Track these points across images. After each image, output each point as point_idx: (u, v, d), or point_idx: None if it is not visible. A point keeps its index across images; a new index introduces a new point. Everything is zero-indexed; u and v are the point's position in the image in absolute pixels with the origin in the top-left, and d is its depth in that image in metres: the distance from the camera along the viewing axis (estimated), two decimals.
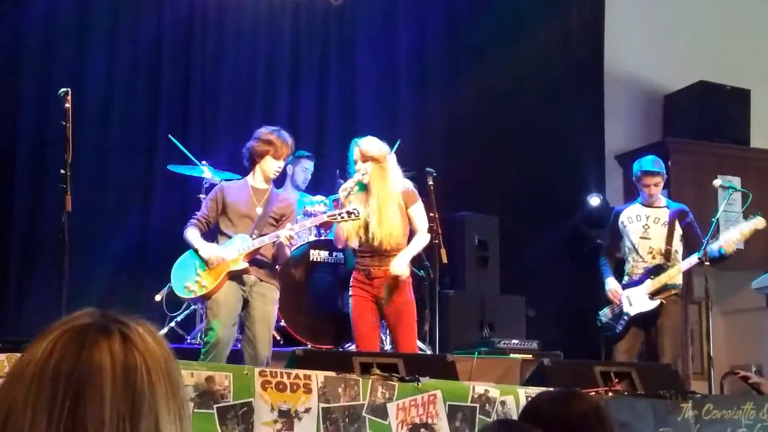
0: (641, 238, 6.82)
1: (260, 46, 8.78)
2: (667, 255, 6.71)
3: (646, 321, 6.71)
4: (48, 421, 1.13)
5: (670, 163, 9.31)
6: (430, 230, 5.97)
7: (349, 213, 5.66)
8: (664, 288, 6.66)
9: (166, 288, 6.67)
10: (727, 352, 9.34)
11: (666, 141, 9.67)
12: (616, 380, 5.13)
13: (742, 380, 6.29)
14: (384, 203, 5.84)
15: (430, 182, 6.23)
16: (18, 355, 3.18)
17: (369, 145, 5.91)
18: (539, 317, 8.34)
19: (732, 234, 6.54)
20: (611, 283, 6.84)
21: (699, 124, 9.73)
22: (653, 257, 6.76)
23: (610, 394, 4.93)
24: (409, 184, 6.04)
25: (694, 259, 6.58)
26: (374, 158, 5.88)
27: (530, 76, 9.63)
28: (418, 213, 5.97)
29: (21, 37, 7.90)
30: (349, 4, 9.03)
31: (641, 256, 6.79)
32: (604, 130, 9.87)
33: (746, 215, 6.73)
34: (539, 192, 9.32)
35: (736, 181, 8.67)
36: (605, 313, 6.89)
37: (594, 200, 9.24)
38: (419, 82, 9.41)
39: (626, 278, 6.87)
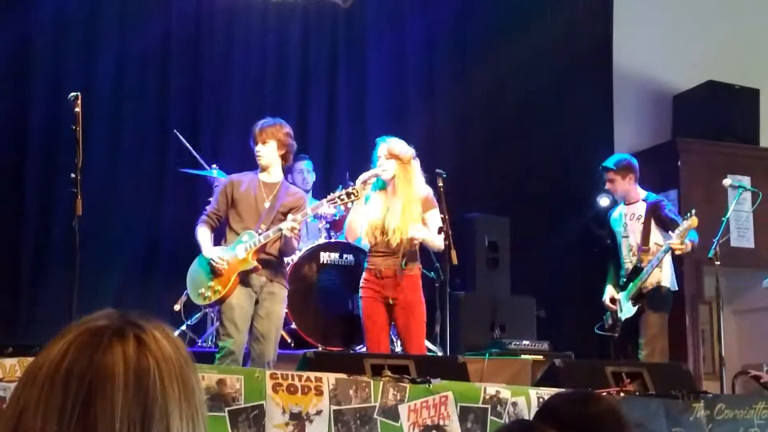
0: (623, 237, 6.84)
1: (269, 48, 8.79)
2: (647, 251, 6.65)
3: (635, 326, 6.69)
4: (58, 424, 1.11)
5: (679, 162, 9.30)
6: (440, 231, 5.98)
7: (348, 194, 5.63)
8: (641, 293, 6.62)
9: (183, 296, 6.63)
10: (738, 352, 9.30)
11: (675, 141, 9.63)
12: (628, 380, 5.12)
13: (753, 380, 6.29)
14: (408, 204, 5.90)
15: (441, 184, 6.22)
16: (29, 359, 3.19)
17: (395, 143, 5.99)
18: (550, 318, 8.32)
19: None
20: (607, 292, 6.87)
21: (708, 123, 9.69)
22: (633, 254, 6.75)
23: (622, 394, 4.92)
24: (430, 191, 6.09)
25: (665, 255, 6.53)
26: (398, 157, 5.93)
27: (538, 76, 9.60)
28: (434, 219, 6.00)
29: (30, 39, 7.91)
30: (357, 6, 9.03)
31: (624, 257, 6.81)
32: (614, 130, 9.85)
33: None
34: (550, 193, 9.31)
35: (746, 181, 8.64)
36: (606, 320, 6.93)
37: (603, 200, 9.18)
38: (427, 83, 9.41)
39: (621, 281, 6.86)
